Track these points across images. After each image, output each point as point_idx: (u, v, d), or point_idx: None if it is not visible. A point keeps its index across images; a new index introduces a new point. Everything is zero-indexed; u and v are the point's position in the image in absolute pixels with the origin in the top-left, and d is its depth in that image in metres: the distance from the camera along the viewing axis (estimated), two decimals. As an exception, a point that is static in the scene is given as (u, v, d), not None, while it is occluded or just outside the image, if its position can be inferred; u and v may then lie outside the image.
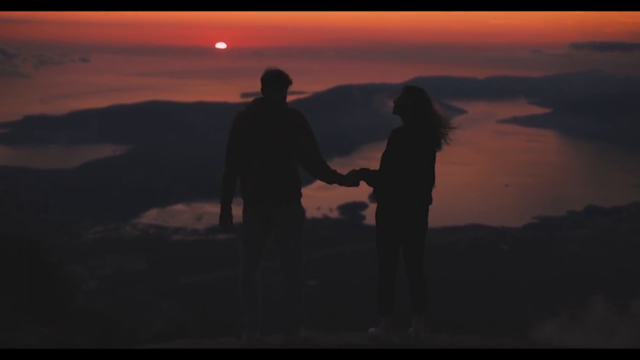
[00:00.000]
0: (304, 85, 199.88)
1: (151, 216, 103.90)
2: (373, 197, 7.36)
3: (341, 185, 7.40)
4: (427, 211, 7.39)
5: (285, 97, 7.32)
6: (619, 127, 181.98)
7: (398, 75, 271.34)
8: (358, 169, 7.36)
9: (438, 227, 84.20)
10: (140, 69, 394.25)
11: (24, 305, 9.74)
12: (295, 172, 7.27)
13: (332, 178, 7.36)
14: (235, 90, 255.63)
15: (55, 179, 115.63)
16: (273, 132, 7.12)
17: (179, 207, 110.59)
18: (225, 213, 7.31)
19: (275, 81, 7.25)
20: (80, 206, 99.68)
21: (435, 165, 7.30)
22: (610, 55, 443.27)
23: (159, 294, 56.26)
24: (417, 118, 7.22)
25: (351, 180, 7.34)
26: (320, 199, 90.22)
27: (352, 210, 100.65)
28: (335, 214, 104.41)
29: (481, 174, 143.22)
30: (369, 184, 7.33)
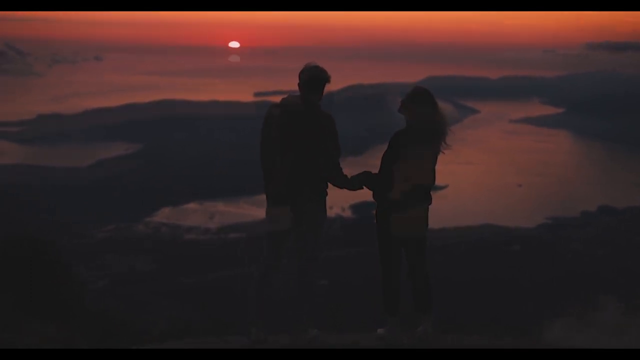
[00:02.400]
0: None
1: (163, 215, 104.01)
2: (374, 197, 7.34)
3: (349, 189, 7.41)
4: (427, 211, 7.37)
5: (322, 95, 7.29)
6: (633, 127, 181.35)
7: (411, 75, 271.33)
8: (361, 172, 7.35)
9: (451, 227, 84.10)
10: (153, 68, 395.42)
11: (33, 305, 9.70)
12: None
13: (342, 183, 7.36)
14: (248, 89, 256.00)
15: (68, 177, 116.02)
16: (308, 131, 7.11)
17: (192, 205, 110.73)
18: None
19: (314, 79, 7.22)
20: (92, 204, 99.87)
21: (441, 166, 7.26)
22: (624, 55, 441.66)
23: (167, 294, 56.20)
24: (421, 120, 7.17)
25: (355, 185, 7.36)
26: (333, 198, 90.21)
27: (365, 209, 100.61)
28: (348, 213, 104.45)
29: (494, 174, 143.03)
30: (369, 187, 7.31)
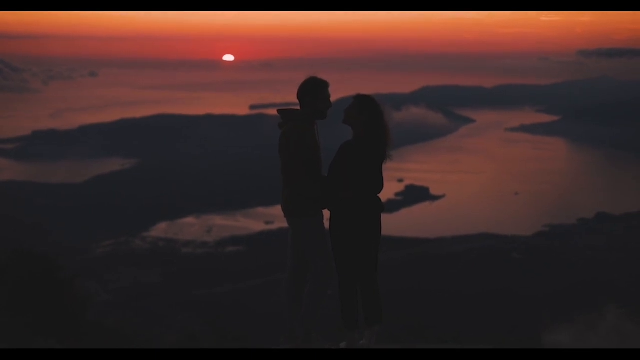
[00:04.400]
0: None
1: (161, 229, 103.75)
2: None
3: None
4: (380, 218, 7.41)
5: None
6: (628, 133, 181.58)
7: (405, 85, 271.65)
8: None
9: (449, 236, 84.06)
10: (148, 83, 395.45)
11: (37, 322, 9.68)
12: (303, 185, 7.26)
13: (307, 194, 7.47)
14: (243, 102, 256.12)
15: (65, 193, 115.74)
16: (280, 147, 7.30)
17: (189, 219, 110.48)
18: None
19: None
20: (90, 220, 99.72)
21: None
22: (619, 61, 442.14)
23: (171, 307, 56.16)
24: (370, 132, 7.20)
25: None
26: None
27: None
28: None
29: (490, 183, 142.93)
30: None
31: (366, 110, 7.22)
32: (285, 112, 7.34)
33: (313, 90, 7.27)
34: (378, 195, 7.33)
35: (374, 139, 7.17)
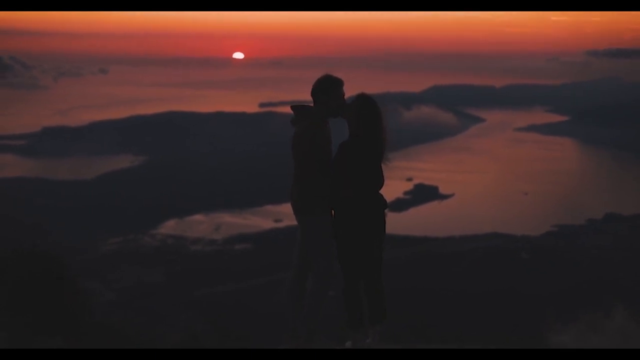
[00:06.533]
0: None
1: (169, 226, 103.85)
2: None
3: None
4: (384, 215, 7.44)
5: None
6: (637, 134, 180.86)
7: (415, 84, 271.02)
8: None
9: (457, 235, 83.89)
10: (158, 80, 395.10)
11: (37, 322, 9.70)
12: (313, 183, 7.27)
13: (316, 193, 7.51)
14: (253, 100, 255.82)
15: (74, 190, 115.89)
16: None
17: (198, 217, 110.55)
18: None
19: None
20: (98, 217, 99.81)
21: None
22: (628, 62, 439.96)
23: (174, 306, 56.07)
24: (367, 132, 7.25)
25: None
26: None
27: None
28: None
29: (499, 183, 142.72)
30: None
31: (365, 110, 7.27)
32: (299, 109, 7.34)
33: (329, 88, 7.32)
34: (380, 192, 7.37)
35: (371, 139, 7.22)
